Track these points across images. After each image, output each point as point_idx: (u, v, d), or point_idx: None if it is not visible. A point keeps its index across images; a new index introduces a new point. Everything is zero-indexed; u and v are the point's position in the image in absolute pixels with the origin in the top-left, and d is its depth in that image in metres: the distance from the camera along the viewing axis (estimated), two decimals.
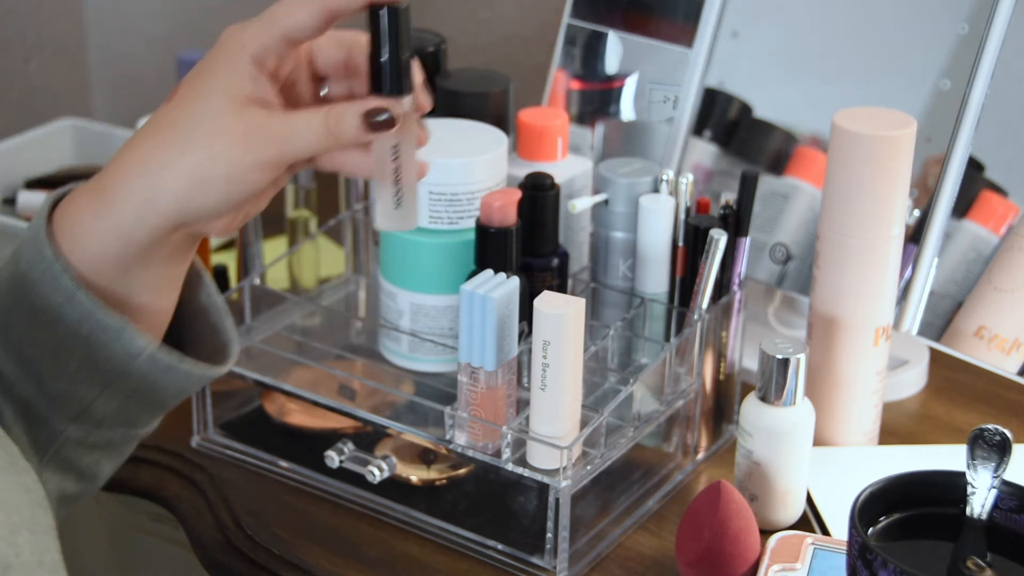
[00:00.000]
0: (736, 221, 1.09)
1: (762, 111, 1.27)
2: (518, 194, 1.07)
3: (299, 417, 1.12)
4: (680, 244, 1.11)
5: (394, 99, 0.84)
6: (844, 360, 1.10)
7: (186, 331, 0.91)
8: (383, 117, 0.83)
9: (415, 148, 0.86)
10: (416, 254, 1.10)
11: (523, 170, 1.11)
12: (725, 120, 1.29)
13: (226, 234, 0.86)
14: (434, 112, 1.21)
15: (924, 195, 1.16)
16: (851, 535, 0.86)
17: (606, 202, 1.13)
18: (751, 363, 1.16)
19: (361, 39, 0.86)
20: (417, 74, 0.86)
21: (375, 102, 0.83)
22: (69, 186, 0.86)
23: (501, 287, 0.97)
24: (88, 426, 0.87)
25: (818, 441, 1.11)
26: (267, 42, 0.83)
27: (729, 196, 1.09)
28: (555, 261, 1.10)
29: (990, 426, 0.90)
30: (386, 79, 0.84)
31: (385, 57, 0.84)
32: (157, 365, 0.85)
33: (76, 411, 0.86)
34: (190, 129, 0.82)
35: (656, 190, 1.12)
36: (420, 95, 0.86)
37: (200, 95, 0.82)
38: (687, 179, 1.10)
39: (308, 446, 1.09)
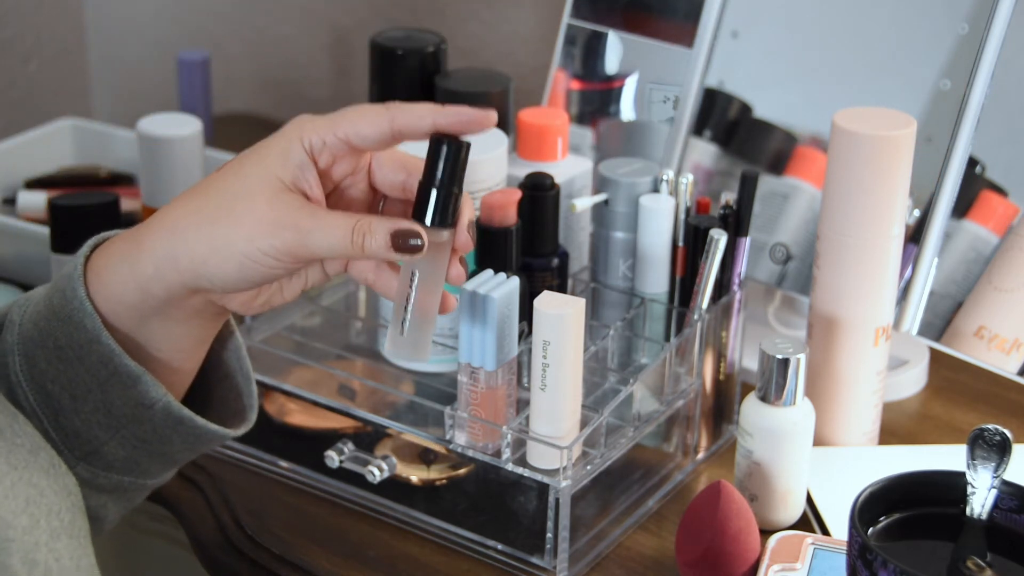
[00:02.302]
0: (736, 221, 1.09)
1: (762, 111, 1.27)
2: (518, 194, 1.07)
3: (299, 417, 1.12)
4: (680, 244, 1.11)
5: (429, 228, 0.85)
6: (844, 360, 1.10)
7: (213, 391, 0.93)
8: (411, 242, 0.83)
9: (440, 283, 0.87)
10: None
11: (523, 170, 1.11)
12: (725, 120, 1.29)
13: (246, 312, 0.88)
14: None
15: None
16: (851, 535, 0.86)
17: (606, 202, 1.13)
18: (751, 363, 1.16)
19: (421, 165, 0.86)
20: (466, 214, 0.86)
21: (407, 224, 0.83)
22: (113, 232, 0.88)
23: (501, 287, 0.97)
24: (97, 468, 0.88)
25: (818, 441, 1.11)
26: (327, 139, 0.84)
27: (729, 196, 1.09)
28: (555, 261, 1.10)
29: (990, 426, 0.90)
30: (428, 207, 0.85)
31: (433, 186, 0.85)
32: (169, 418, 0.87)
33: (87, 451, 0.87)
34: (226, 200, 0.83)
35: (656, 190, 1.12)
36: (462, 235, 0.86)
37: (246, 171, 0.84)
38: (687, 179, 1.10)
39: (308, 446, 1.09)
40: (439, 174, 0.84)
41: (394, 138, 0.85)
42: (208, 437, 0.89)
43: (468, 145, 0.85)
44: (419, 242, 0.83)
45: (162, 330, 0.86)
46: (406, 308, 0.87)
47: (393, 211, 0.89)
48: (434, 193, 0.85)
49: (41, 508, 0.78)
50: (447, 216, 0.85)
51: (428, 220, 0.85)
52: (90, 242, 0.87)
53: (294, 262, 0.83)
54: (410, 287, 0.87)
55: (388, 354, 0.88)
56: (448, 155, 0.84)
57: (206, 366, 0.92)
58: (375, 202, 0.89)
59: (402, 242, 0.83)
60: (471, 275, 1.01)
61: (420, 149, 0.86)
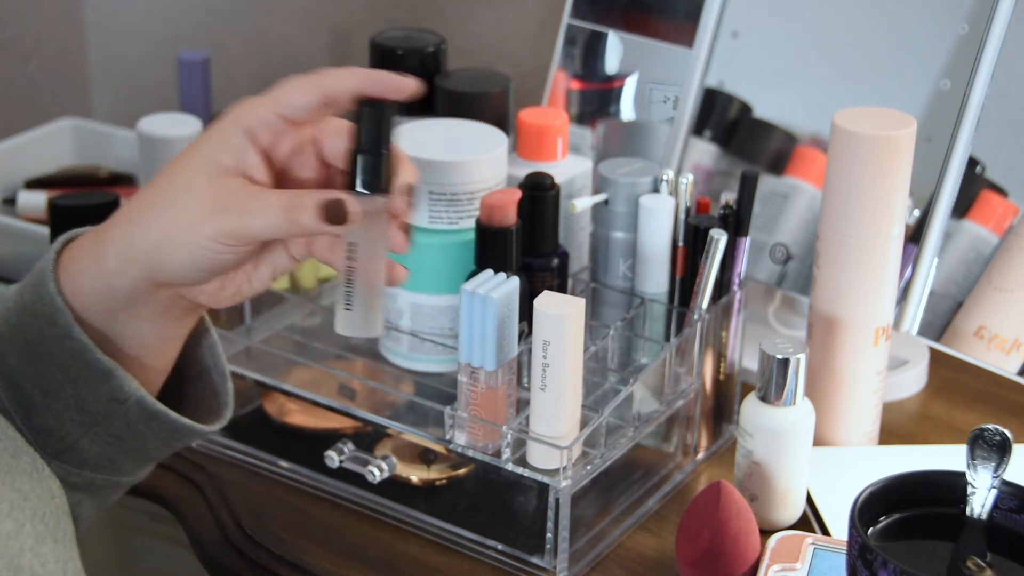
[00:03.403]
0: (736, 221, 1.09)
1: (762, 111, 1.27)
2: (518, 194, 1.07)
3: (299, 417, 1.12)
4: (680, 244, 1.11)
5: (360, 196, 0.83)
6: (844, 360, 1.10)
7: (187, 388, 0.93)
8: (340, 210, 0.82)
9: (382, 252, 0.85)
10: (416, 254, 1.10)
11: (523, 170, 1.11)
12: (725, 120, 1.29)
13: (216, 305, 0.87)
14: (434, 112, 1.22)
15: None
16: (851, 535, 0.86)
17: (606, 202, 1.13)
18: (751, 363, 1.16)
19: None
20: (405, 176, 0.85)
21: (334, 194, 0.82)
22: (84, 228, 0.88)
23: (501, 287, 0.97)
24: (70, 466, 0.88)
25: (818, 441, 1.11)
26: (264, 116, 0.84)
27: (729, 196, 1.09)
28: (555, 261, 1.10)
29: (990, 426, 0.90)
30: (357, 174, 0.83)
31: (360, 151, 0.83)
32: (143, 413, 0.86)
33: (60, 448, 0.87)
34: (170, 189, 0.83)
35: (656, 190, 1.12)
36: (398, 200, 0.84)
37: (187, 159, 0.84)
38: (687, 179, 1.10)
39: (308, 446, 1.09)
40: (364, 138, 0.83)
41: (326, 104, 0.84)
42: (183, 432, 0.88)
43: (393, 106, 0.83)
44: (348, 210, 0.82)
45: (132, 326, 0.86)
46: (349, 282, 0.85)
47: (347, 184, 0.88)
48: (360, 158, 0.83)
49: (25, 512, 0.78)
50: (377, 181, 0.83)
51: (357, 186, 0.83)
52: (61, 238, 0.87)
53: (239, 244, 0.83)
54: (350, 260, 0.85)
55: (339, 331, 0.87)
56: (372, 117, 0.83)
57: (180, 363, 0.92)
58: (329, 177, 0.88)
59: (331, 213, 0.81)
60: (471, 275, 1.01)
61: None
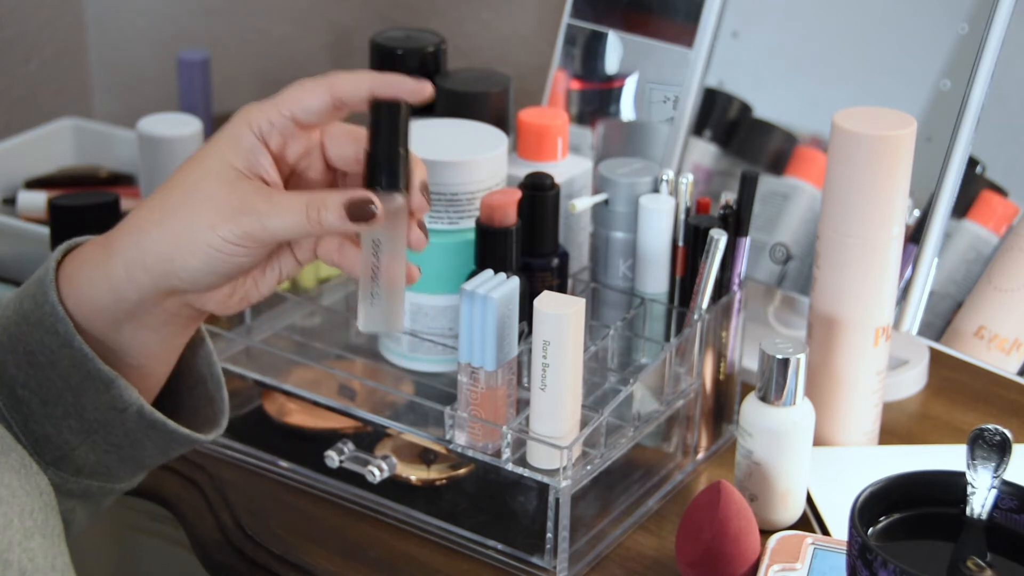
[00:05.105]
0: (736, 221, 1.09)
1: (762, 111, 1.27)
2: (518, 194, 1.07)
3: (299, 417, 1.12)
4: (680, 244, 1.11)
5: (382, 193, 0.84)
6: (844, 360, 1.10)
7: (184, 397, 0.93)
8: (367, 209, 0.83)
9: (403, 249, 0.87)
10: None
11: (523, 170, 1.11)
12: (725, 120, 1.29)
13: (223, 312, 0.87)
14: (434, 112, 1.22)
15: None
16: (851, 535, 0.86)
17: (606, 202, 1.13)
18: (751, 363, 1.16)
19: None
20: (418, 175, 0.86)
21: (359, 193, 0.83)
22: (84, 238, 0.88)
23: (501, 287, 0.97)
24: (66, 473, 0.88)
25: (818, 441, 1.11)
26: (274, 119, 0.84)
27: (729, 196, 1.09)
28: (555, 261, 1.10)
29: (990, 426, 0.90)
30: (378, 173, 0.85)
31: (379, 151, 0.85)
32: (142, 422, 0.86)
33: (57, 456, 0.87)
34: (183, 194, 0.83)
35: (656, 190, 1.12)
36: (416, 196, 0.86)
37: (200, 163, 0.84)
38: (687, 179, 1.10)
39: (308, 446, 1.09)
40: (382, 138, 0.85)
41: (336, 107, 0.85)
42: (180, 441, 0.89)
43: (407, 106, 0.85)
44: (374, 209, 0.83)
45: (136, 336, 0.86)
46: (374, 279, 0.87)
47: (353, 186, 0.88)
48: (380, 158, 0.85)
49: (13, 508, 0.78)
50: (397, 179, 0.85)
51: (378, 185, 0.85)
52: (61, 247, 0.87)
53: (257, 246, 0.83)
54: (375, 257, 0.86)
55: (362, 327, 0.88)
56: (388, 118, 0.84)
57: (176, 372, 0.92)
58: (334, 181, 0.89)
59: (357, 211, 0.83)
60: (471, 275, 1.01)
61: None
